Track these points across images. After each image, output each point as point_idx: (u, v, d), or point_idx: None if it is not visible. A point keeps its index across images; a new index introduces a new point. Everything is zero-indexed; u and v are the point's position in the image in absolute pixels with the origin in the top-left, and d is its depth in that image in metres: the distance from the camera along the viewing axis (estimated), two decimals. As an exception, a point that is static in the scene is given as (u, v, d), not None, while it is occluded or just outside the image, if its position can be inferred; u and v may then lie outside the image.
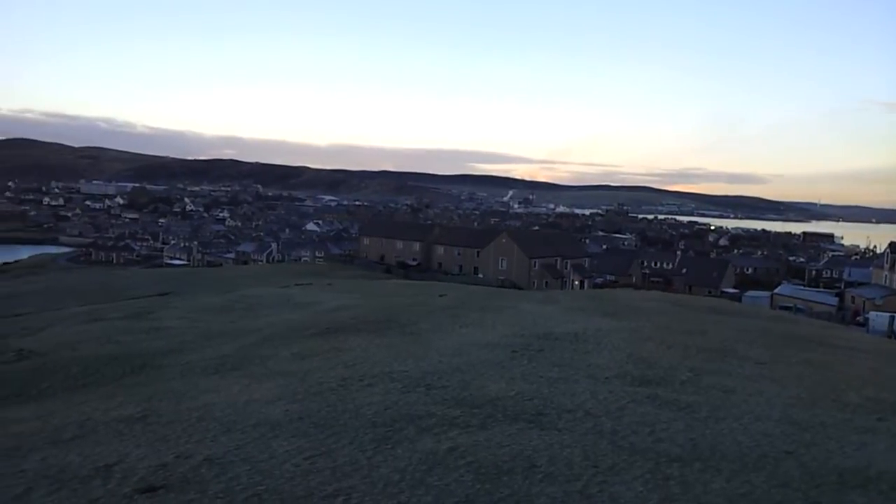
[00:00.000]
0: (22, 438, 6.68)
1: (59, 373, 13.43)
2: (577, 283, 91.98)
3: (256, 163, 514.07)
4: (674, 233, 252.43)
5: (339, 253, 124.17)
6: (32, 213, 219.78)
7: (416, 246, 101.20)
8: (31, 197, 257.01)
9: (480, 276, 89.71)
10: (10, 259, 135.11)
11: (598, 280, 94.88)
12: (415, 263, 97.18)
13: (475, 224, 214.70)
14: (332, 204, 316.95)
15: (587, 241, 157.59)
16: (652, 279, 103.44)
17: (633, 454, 5.36)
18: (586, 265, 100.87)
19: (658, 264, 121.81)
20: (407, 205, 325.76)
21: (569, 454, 5.30)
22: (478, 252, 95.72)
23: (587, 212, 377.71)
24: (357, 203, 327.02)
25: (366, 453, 5.32)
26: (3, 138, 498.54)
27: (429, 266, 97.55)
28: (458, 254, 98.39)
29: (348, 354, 10.81)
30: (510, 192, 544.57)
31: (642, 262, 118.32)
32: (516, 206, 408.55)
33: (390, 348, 11.16)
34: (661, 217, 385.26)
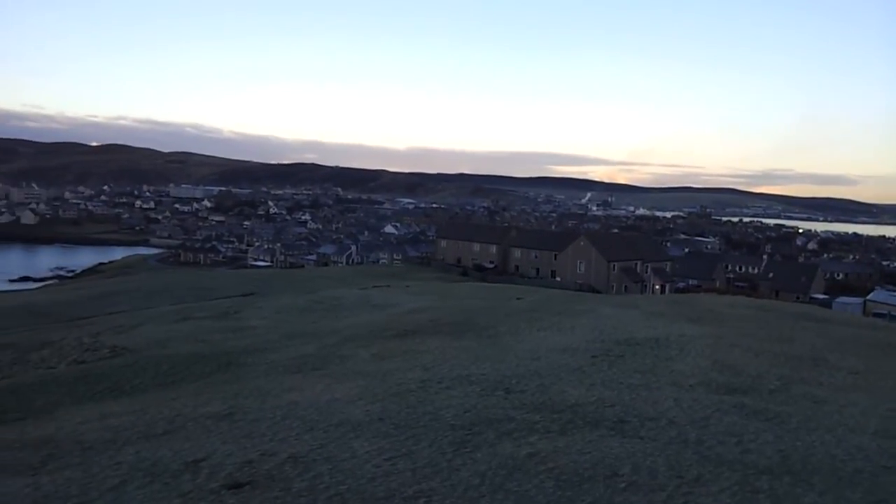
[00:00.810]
0: (117, 432, 6.99)
1: (150, 369, 14.00)
2: (657, 287, 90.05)
3: (336, 166, 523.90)
4: (759, 236, 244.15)
5: (417, 255, 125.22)
6: (125, 215, 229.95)
7: (493, 249, 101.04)
8: (125, 200, 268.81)
9: (558, 279, 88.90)
10: (105, 260, 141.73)
11: (680, 284, 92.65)
12: (491, 266, 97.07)
13: (552, 227, 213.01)
14: (410, 207, 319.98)
15: (668, 244, 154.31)
16: (736, 284, 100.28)
17: (719, 465, 5.20)
18: (667, 269, 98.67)
19: (743, 268, 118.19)
20: (484, 207, 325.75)
21: (652, 463, 5.18)
22: (555, 255, 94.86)
23: (668, 214, 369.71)
24: (434, 206, 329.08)
25: (445, 456, 5.34)
26: (99, 144, 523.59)
27: (505, 269, 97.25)
28: (536, 257, 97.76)
29: (426, 356, 10.87)
30: (588, 195, 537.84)
31: (726, 267, 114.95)
32: (595, 208, 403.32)
33: (468, 351, 11.18)
34: (745, 220, 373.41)
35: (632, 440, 5.81)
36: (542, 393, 7.67)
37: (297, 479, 4.89)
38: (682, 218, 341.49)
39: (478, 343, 12.20)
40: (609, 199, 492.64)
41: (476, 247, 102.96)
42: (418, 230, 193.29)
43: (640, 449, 5.53)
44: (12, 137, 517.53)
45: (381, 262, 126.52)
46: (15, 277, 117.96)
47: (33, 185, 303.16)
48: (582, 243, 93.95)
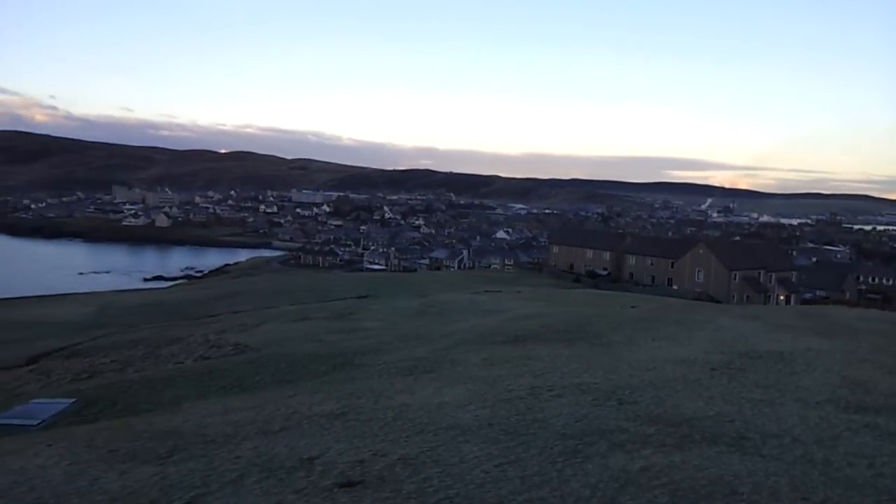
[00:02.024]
0: (238, 426, 7.29)
1: (269, 367, 14.57)
2: (782, 298, 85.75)
3: (450, 172, 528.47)
4: (895, 245, 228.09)
5: (528, 261, 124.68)
6: (250, 219, 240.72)
7: (607, 255, 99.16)
8: (250, 205, 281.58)
9: (675, 287, 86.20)
10: (231, 261, 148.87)
11: (807, 295, 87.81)
12: (605, 273, 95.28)
13: (669, 233, 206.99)
14: (522, 212, 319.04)
15: (794, 252, 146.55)
16: (869, 296, 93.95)
17: (848, 489, 4.87)
18: (793, 279, 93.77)
19: (876, 280, 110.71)
20: (597, 213, 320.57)
21: (775, 483, 4.91)
22: (672, 263, 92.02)
23: (794, 221, 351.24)
24: (547, 211, 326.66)
25: (556, 465, 5.25)
26: (227, 151, 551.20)
27: (619, 276, 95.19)
28: (651, 264, 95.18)
29: (537, 363, 10.77)
30: (708, 201, 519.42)
31: (858, 277, 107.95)
32: (715, 214, 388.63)
33: (580, 359, 11.00)
34: (880, 228, 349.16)
35: (753, 458, 5.53)
36: (658, 405, 7.44)
37: (407, 481, 4.94)
38: (810, 225, 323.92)
39: (590, 351, 11.98)
40: (730, 205, 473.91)
41: (589, 253, 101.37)
42: (530, 236, 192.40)
43: (761, 467, 5.26)
44: (149, 145, 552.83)
45: (492, 267, 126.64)
46: (149, 276, 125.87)
47: (167, 189, 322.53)
48: (701, 251, 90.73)
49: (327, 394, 9.15)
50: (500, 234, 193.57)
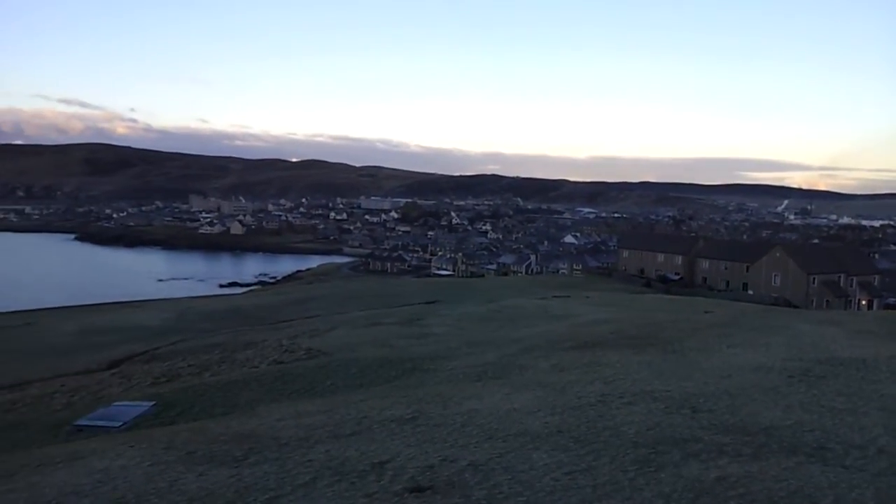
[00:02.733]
0: (310, 430, 7.43)
1: (341, 371, 14.80)
2: (864, 302, 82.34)
3: (517, 177, 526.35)
4: None
5: (597, 266, 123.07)
6: (321, 226, 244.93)
7: (679, 259, 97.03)
8: (320, 212, 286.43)
9: (750, 292, 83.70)
10: (303, 267, 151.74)
11: (890, 300, 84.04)
12: (677, 278, 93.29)
13: (744, 236, 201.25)
14: (591, 216, 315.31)
15: (876, 255, 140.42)
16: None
17: (940, 504, 4.65)
18: (875, 283, 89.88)
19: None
20: (669, 216, 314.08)
21: (859, 496, 4.72)
22: (747, 267, 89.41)
23: (877, 223, 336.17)
24: (616, 215, 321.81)
25: (627, 474, 5.17)
26: (299, 160, 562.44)
27: (692, 281, 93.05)
28: (725, 268, 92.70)
29: (607, 370, 10.64)
30: (785, 202, 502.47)
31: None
32: (792, 217, 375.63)
33: (651, 366, 10.81)
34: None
35: (834, 469, 5.33)
36: (733, 413, 7.25)
37: (476, 488, 4.94)
38: (893, 227, 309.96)
39: (662, 358, 11.76)
40: (808, 207, 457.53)
41: (660, 257, 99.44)
42: (599, 240, 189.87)
43: (844, 479, 5.06)
44: (224, 155, 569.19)
45: (560, 272, 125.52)
46: (225, 283, 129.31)
47: (241, 198, 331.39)
48: (777, 254, 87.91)
49: (397, 398, 9.24)
50: (569, 239, 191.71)
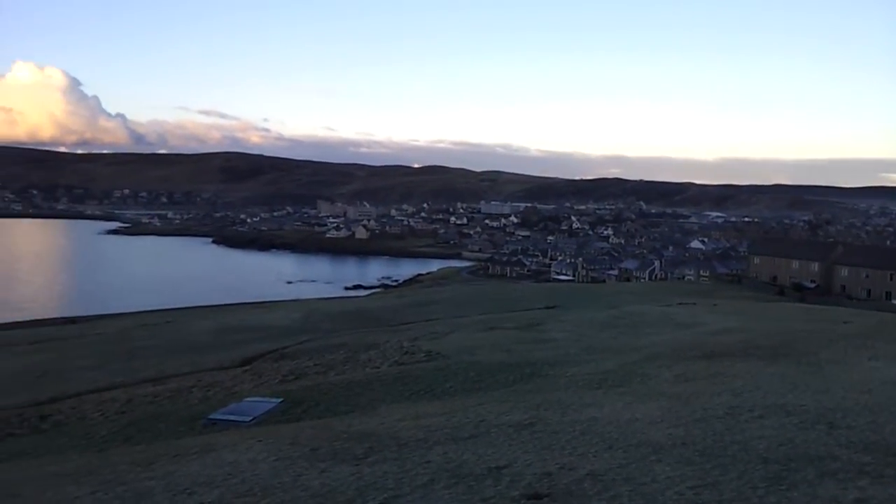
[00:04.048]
0: (429, 431, 7.52)
1: (459, 375, 14.89)
2: None
3: (640, 180, 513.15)
4: None
5: (726, 272, 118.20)
6: (441, 230, 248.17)
7: (815, 266, 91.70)
8: (441, 217, 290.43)
9: (894, 302, 78.07)
10: (424, 271, 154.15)
11: None
12: (813, 286, 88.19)
13: (887, 242, 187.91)
14: (719, 220, 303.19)
15: None
16: None
17: None
18: None
19: None
20: (804, 221, 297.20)
21: None
22: (891, 275, 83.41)
23: None
24: (746, 219, 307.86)
25: (756, 491, 4.91)
26: (420, 166, 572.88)
27: (829, 289, 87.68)
28: (866, 276, 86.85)
29: (736, 381, 10.18)
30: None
31: None
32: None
33: (784, 378, 10.25)
34: None
35: None
36: (875, 431, 6.75)
37: (595, 498, 4.83)
38: None
39: (796, 370, 11.13)
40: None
41: (794, 264, 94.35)
42: (728, 245, 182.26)
43: None
44: (349, 162, 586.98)
45: (686, 278, 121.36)
46: (349, 285, 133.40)
47: (365, 203, 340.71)
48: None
49: (515, 403, 9.19)
50: (695, 244, 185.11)
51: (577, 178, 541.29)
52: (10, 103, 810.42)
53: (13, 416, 17.75)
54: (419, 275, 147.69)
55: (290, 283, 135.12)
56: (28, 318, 76.81)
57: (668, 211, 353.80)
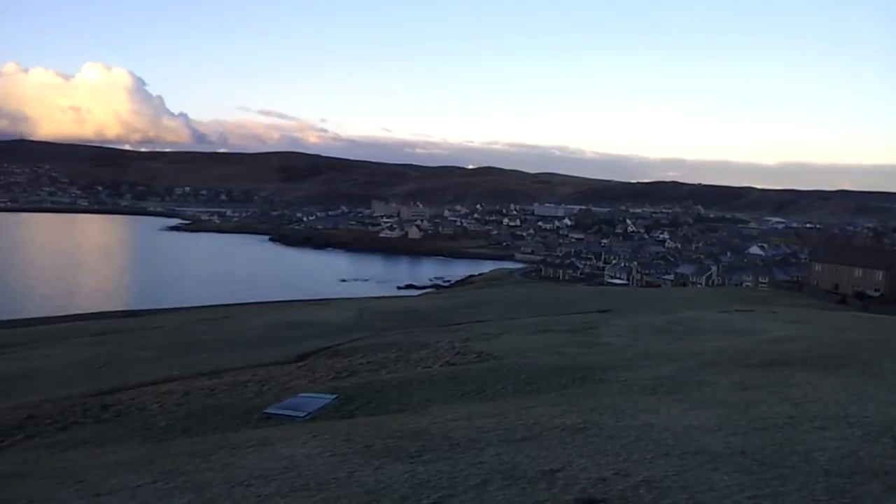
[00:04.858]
0: (481, 432, 7.52)
1: (511, 376, 14.84)
2: None
3: (698, 184, 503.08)
4: None
5: (786, 279, 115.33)
6: (494, 232, 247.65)
7: (879, 275, 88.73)
8: (494, 218, 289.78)
9: (966, 313, 74.99)
10: (476, 272, 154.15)
11: None
12: (877, 294, 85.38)
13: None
14: (779, 226, 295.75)
15: None
16: None
17: None
18: None
19: None
20: (869, 228, 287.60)
21: None
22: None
23: None
24: (808, 225, 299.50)
25: (818, 504, 4.79)
26: (475, 167, 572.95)
27: (894, 298, 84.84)
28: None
29: (796, 390, 9.93)
30: None
31: None
32: None
33: (846, 388, 9.96)
34: None
35: None
36: (945, 447, 6.51)
37: (650, 504, 4.78)
38: None
39: (859, 380, 10.81)
40: None
41: (858, 272, 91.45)
42: (788, 252, 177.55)
43: None
44: (404, 163, 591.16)
45: (744, 284, 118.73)
46: (402, 285, 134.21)
47: (419, 204, 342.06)
48: None
49: (568, 407, 9.13)
50: (754, 250, 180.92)
51: (633, 181, 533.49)
52: (79, 103, 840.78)
53: (77, 405, 18.36)
54: (471, 276, 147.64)
55: (343, 281, 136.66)
56: (92, 311, 79.54)
57: (727, 216, 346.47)
